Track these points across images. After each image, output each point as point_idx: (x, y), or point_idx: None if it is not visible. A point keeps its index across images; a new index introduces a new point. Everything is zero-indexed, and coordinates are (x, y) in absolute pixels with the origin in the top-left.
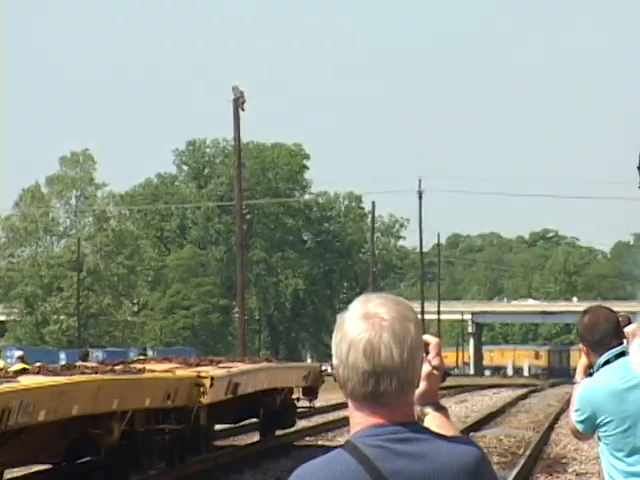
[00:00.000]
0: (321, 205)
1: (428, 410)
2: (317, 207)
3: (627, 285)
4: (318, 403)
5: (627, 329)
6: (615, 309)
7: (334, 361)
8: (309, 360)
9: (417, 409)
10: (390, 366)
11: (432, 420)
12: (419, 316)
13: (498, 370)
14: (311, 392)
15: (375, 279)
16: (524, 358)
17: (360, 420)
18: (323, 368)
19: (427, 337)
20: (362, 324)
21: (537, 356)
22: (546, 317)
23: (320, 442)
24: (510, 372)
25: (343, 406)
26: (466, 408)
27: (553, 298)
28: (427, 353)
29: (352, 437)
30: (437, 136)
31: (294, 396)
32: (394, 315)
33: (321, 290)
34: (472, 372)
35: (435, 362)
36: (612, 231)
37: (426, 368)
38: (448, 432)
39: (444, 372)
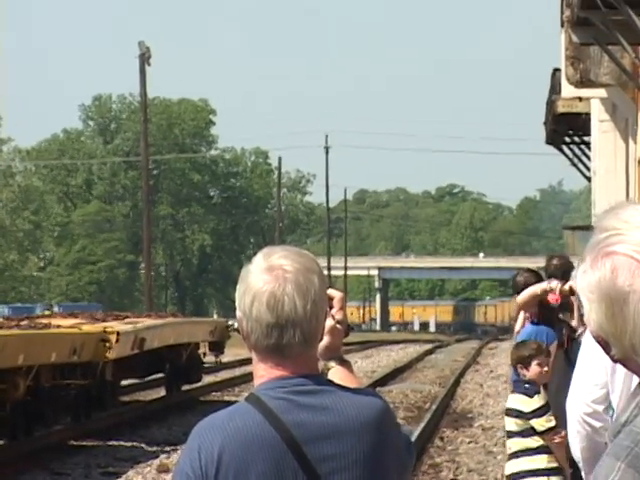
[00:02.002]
0: (227, 161)
1: (332, 364)
2: (223, 163)
3: (533, 241)
4: (224, 358)
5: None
6: (521, 265)
7: (238, 313)
8: (215, 316)
9: (321, 363)
10: (293, 318)
11: (336, 373)
12: (325, 272)
13: (404, 326)
14: (217, 347)
15: (282, 234)
16: (430, 314)
17: (264, 372)
18: (229, 323)
19: (331, 291)
20: (265, 276)
21: (443, 312)
22: (452, 273)
23: (226, 397)
24: (416, 327)
25: (249, 361)
26: (372, 363)
27: (459, 254)
28: (331, 307)
29: (256, 389)
30: (344, 92)
31: (200, 351)
32: (297, 267)
33: (228, 246)
34: (378, 327)
35: (339, 316)
36: (518, 187)
37: (330, 322)
38: (351, 385)
39: (347, 326)
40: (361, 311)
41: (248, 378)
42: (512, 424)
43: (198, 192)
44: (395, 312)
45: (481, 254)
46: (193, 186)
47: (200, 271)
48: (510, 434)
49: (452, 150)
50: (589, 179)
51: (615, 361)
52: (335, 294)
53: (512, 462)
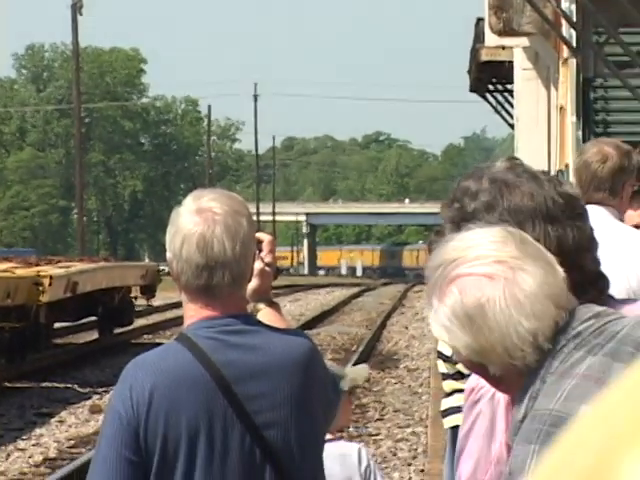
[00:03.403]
0: (158, 109)
1: (261, 306)
2: (154, 111)
3: None
4: (156, 302)
5: None
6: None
7: (168, 255)
8: (147, 260)
9: (250, 305)
10: (223, 259)
11: (265, 315)
12: (254, 218)
13: (332, 270)
14: (149, 291)
15: (211, 181)
16: (357, 258)
17: (193, 312)
18: (161, 268)
19: (260, 235)
20: (195, 218)
21: (370, 256)
22: (379, 218)
23: (158, 340)
24: (344, 272)
25: (180, 305)
26: (300, 307)
27: (386, 200)
28: (260, 251)
29: (186, 329)
30: (274, 40)
31: (132, 295)
32: (227, 209)
33: (159, 192)
34: (306, 272)
35: (267, 259)
36: (443, 134)
37: (259, 265)
38: (280, 327)
39: (276, 269)
40: (289, 255)
41: (179, 321)
42: (443, 367)
43: (130, 139)
44: (323, 257)
45: (407, 200)
46: (125, 134)
47: (131, 216)
48: (443, 376)
49: (378, 98)
50: (512, 126)
51: (497, 382)
52: (264, 237)
53: (445, 400)
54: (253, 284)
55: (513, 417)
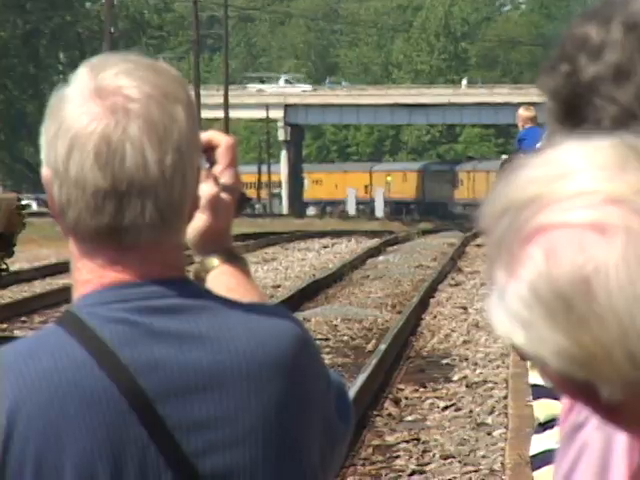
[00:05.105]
0: None
1: (214, 261)
2: None
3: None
4: (16, 263)
5: None
6: (530, 98)
7: (44, 172)
8: None
9: (194, 262)
10: (142, 180)
11: (220, 279)
12: (193, 99)
13: (331, 206)
14: (3, 245)
15: (114, 48)
16: (376, 185)
17: (89, 275)
18: (24, 203)
19: (211, 135)
20: (94, 107)
21: (400, 182)
22: (413, 113)
23: (18, 331)
24: (352, 210)
25: (63, 267)
26: (276, 272)
27: (426, 81)
28: (212, 163)
29: (76, 306)
30: None
31: None
32: (149, 92)
33: (19, 69)
34: (285, 210)
35: (226, 178)
36: None
37: (208, 189)
38: (247, 298)
39: (242, 196)
40: (255, 180)
41: (57, 298)
42: (536, 376)
43: None
44: (314, 183)
45: (464, 81)
46: None
47: None
48: (536, 392)
49: None
50: None
51: (613, 412)
52: (218, 139)
53: (539, 438)
54: (199, 223)
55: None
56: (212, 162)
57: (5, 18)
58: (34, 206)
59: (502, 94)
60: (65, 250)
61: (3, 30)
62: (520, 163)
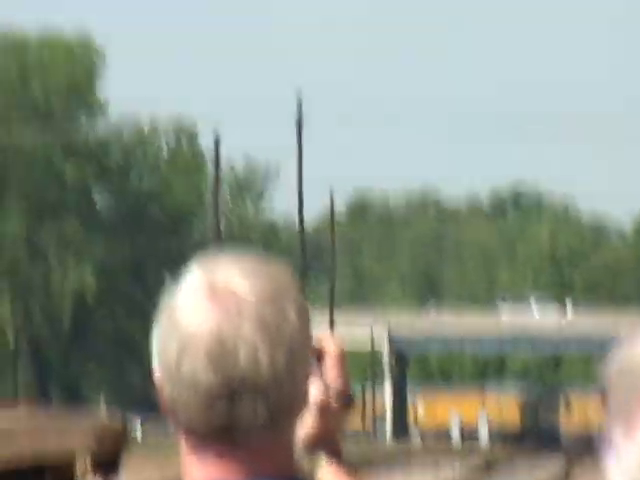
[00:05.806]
0: (123, 141)
1: (321, 461)
2: (117, 145)
3: None
4: None
5: None
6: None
7: (156, 373)
8: (104, 408)
9: (306, 459)
10: (254, 380)
11: (326, 478)
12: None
13: (437, 434)
14: (108, 464)
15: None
16: (476, 411)
17: (199, 473)
18: (128, 423)
19: (322, 338)
20: (206, 306)
21: (502, 407)
22: (519, 339)
23: None
24: (456, 436)
25: None
26: None
27: (530, 304)
28: (321, 366)
29: None
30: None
31: (79, 471)
32: (261, 290)
33: (123, 289)
34: (389, 436)
35: (334, 382)
36: (633, 196)
37: (317, 391)
38: None
39: (348, 397)
40: (359, 406)
41: None
42: None
43: (73, 195)
44: (421, 408)
45: (568, 307)
46: (63, 184)
47: (75, 334)
48: None
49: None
50: None
51: None
52: (328, 344)
53: None
54: (309, 425)
55: None
56: (321, 364)
57: (115, 241)
58: (138, 436)
59: (604, 320)
60: (169, 470)
61: (116, 252)
62: None
